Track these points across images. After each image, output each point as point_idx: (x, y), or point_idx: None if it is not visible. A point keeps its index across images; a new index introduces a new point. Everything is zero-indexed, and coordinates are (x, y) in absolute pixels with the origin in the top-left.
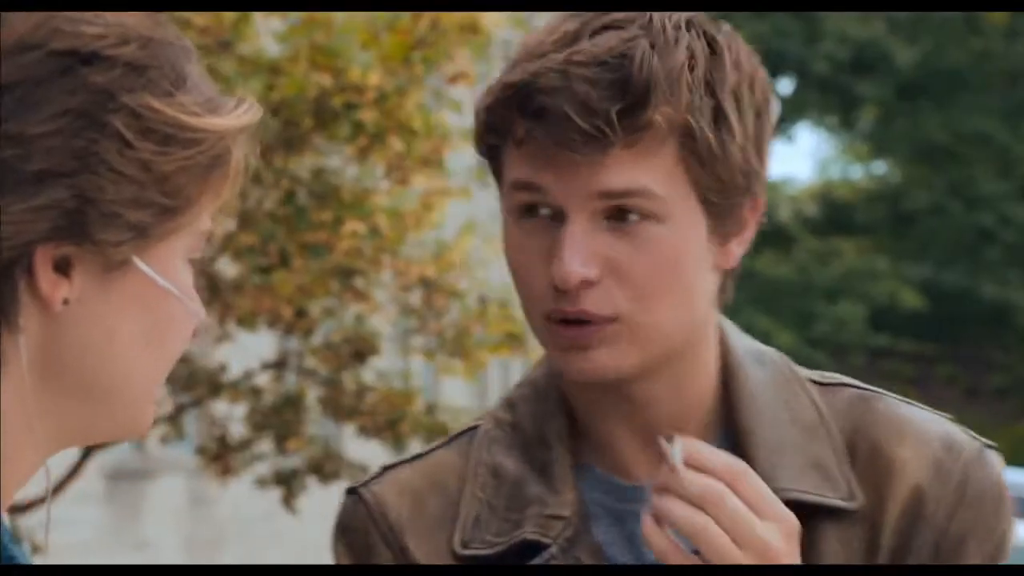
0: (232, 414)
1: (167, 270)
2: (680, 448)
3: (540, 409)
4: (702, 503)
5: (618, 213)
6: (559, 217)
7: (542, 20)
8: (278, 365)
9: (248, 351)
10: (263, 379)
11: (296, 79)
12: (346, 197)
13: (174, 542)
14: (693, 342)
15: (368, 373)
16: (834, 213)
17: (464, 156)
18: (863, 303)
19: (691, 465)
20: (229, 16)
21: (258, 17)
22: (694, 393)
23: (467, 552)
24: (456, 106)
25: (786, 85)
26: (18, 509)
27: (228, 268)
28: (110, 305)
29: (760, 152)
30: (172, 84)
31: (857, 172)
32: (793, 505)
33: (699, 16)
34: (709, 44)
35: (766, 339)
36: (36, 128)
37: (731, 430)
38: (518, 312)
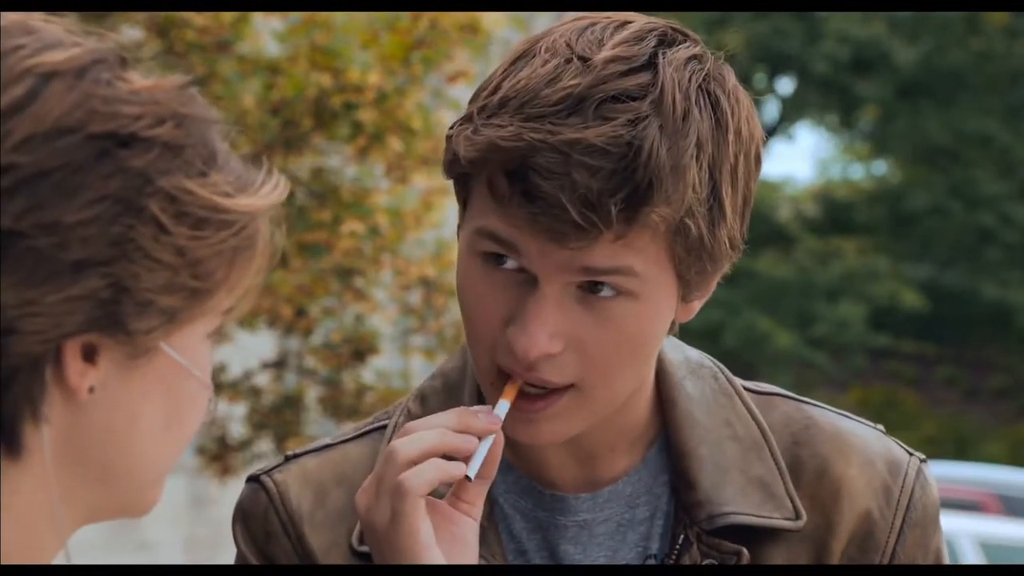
0: (232, 414)
1: (189, 351)
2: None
3: (450, 403)
4: None
5: (591, 285)
6: (530, 279)
7: (543, 19)
8: (278, 365)
9: (248, 351)
10: (263, 379)
11: (296, 79)
12: (346, 197)
13: (174, 542)
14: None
15: (368, 373)
16: (834, 213)
17: None
18: (864, 303)
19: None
20: (228, 15)
21: (257, 17)
22: (630, 419)
23: (364, 548)
24: (456, 105)
25: (786, 85)
26: None
27: None
28: (133, 389)
29: (745, 219)
30: (204, 163)
31: (857, 172)
32: (738, 528)
33: (708, 69)
34: (715, 119)
35: (767, 340)
36: (73, 216)
37: (670, 449)
38: None
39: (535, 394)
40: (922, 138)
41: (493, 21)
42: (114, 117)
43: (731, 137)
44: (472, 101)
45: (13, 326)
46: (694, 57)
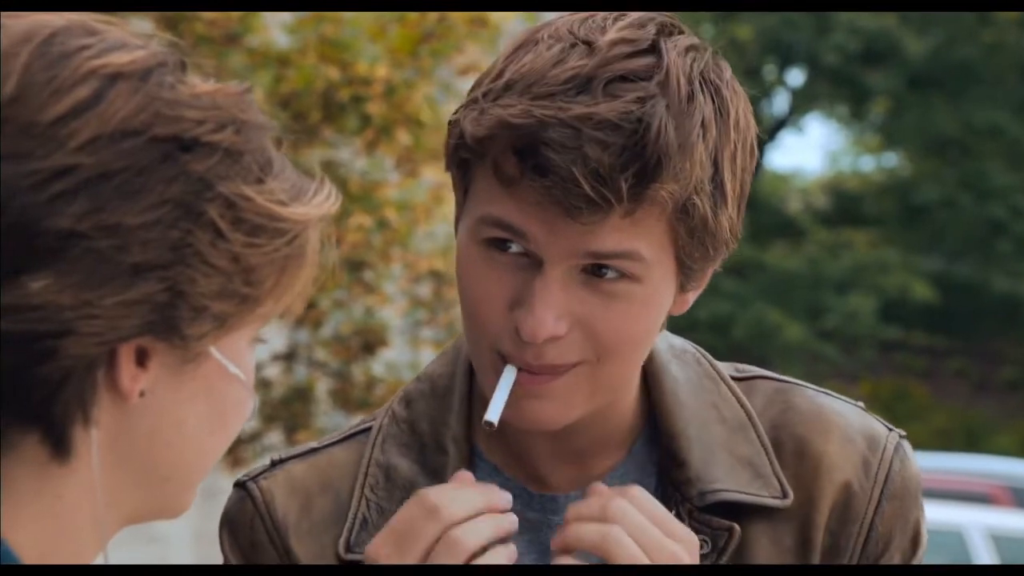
0: None
1: (235, 356)
2: None
3: (438, 408)
4: (607, 518)
5: (595, 268)
6: (535, 262)
7: (551, 15)
8: (288, 357)
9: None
10: (273, 371)
11: (304, 72)
12: (354, 190)
13: (184, 535)
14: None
15: (377, 365)
16: (844, 205)
17: None
18: (874, 295)
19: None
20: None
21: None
22: (620, 414)
23: (351, 556)
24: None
25: (796, 76)
26: None
27: None
28: (181, 394)
29: (741, 211)
30: (261, 169)
31: (868, 164)
32: (727, 505)
33: (708, 59)
34: (717, 105)
35: (776, 332)
36: (134, 218)
37: (659, 433)
38: None
39: (540, 370)
40: (932, 130)
41: (502, 14)
42: (177, 121)
43: (731, 124)
44: (474, 88)
45: (70, 327)
46: (693, 47)
